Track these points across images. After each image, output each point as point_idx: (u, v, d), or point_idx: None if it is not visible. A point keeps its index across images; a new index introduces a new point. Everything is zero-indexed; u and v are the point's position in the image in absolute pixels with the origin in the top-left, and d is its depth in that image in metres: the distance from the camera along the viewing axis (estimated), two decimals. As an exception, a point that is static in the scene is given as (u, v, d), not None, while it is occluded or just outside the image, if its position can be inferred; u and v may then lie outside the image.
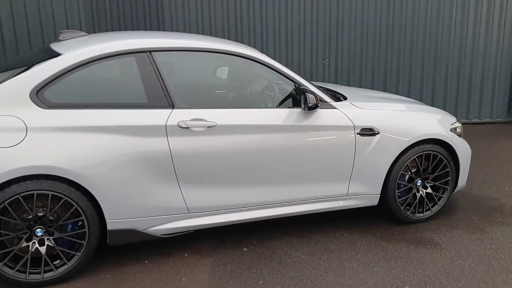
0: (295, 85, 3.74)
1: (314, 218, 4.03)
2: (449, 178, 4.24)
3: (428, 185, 4.22)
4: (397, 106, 4.23)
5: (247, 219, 3.65)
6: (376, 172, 3.96)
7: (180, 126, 3.31)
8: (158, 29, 7.17)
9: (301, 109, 3.65)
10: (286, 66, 7.62)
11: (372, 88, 7.41)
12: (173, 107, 3.36)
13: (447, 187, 4.26)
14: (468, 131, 4.67)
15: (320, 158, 3.76)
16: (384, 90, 7.42)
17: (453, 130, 4.28)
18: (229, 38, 7.14)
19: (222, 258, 3.57)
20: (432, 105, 7.37)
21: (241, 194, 3.57)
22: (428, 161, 4.17)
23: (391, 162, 3.97)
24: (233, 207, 3.57)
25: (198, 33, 7.16)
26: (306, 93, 3.58)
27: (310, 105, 3.57)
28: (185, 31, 7.16)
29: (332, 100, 3.87)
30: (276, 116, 3.64)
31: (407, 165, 4.06)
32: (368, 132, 3.86)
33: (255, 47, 7.12)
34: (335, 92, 4.38)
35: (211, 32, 7.17)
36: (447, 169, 4.22)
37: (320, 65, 7.39)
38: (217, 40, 4.08)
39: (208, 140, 3.39)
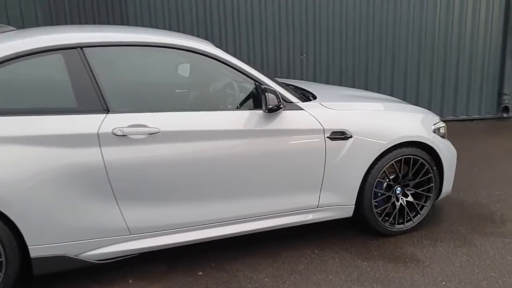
0: (255, 84, 3.27)
1: (281, 234, 3.56)
2: (432, 184, 3.80)
3: (408, 192, 3.77)
4: (373, 106, 3.76)
5: (201, 239, 3.18)
6: (349, 180, 3.50)
7: (115, 134, 2.83)
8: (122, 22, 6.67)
9: (262, 111, 3.18)
10: (261, 62, 7.33)
11: (353, 85, 6.96)
12: (107, 111, 2.87)
13: (430, 194, 3.81)
14: (455, 128, 4.22)
15: (286, 167, 3.30)
16: (366, 87, 6.97)
17: (436, 131, 3.84)
18: (198, 33, 6.65)
19: (172, 285, 3.10)
20: (417, 101, 6.95)
21: (192, 210, 3.10)
22: (408, 166, 3.72)
23: (366, 169, 3.52)
24: (183, 226, 3.10)
25: (165, 29, 6.66)
26: (266, 93, 3.11)
27: (270, 106, 3.10)
28: (151, 27, 6.66)
29: (299, 100, 3.40)
30: (233, 120, 3.17)
31: (384, 171, 3.61)
32: (340, 135, 3.40)
33: (226, 42, 6.66)
34: (304, 91, 3.92)
35: (179, 27, 6.68)
36: (430, 175, 3.77)
37: (298, 60, 6.93)
38: (165, 33, 3.59)
39: (149, 150, 2.91)
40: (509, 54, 7.09)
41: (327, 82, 6.95)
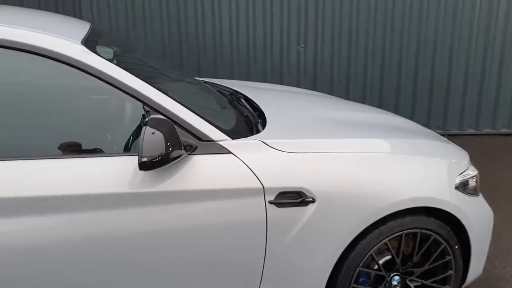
0: (143, 107, 1.90)
1: None
2: (451, 272, 2.36)
3: (412, 285, 2.35)
4: (358, 144, 2.29)
5: None
6: (310, 270, 2.11)
7: None
8: (75, 15, 5.33)
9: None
10: (247, 52, 5.79)
11: (364, 85, 5.44)
12: None
13: (446, 287, 2.39)
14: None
15: (195, 253, 1.94)
16: (381, 88, 5.46)
17: (462, 185, 2.38)
18: (168, 10, 5.25)
19: None
20: (413, 111, 5.41)
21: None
22: (412, 243, 2.30)
23: (340, 252, 2.12)
24: None
25: (129, 17, 5.29)
26: (147, 127, 1.74)
27: (145, 157, 1.71)
28: (110, 17, 5.31)
29: (226, 136, 2.00)
30: (98, 173, 1.81)
31: (371, 255, 2.20)
32: (293, 199, 2.00)
33: (202, 27, 5.24)
34: (254, 112, 2.51)
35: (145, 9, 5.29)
36: (448, 258, 2.34)
37: (294, 51, 5.45)
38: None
39: None
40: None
41: (331, 80, 5.47)
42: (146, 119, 1.78)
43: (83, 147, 1.89)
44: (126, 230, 1.84)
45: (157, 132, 1.75)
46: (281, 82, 5.34)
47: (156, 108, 1.89)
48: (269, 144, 2.04)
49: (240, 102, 2.70)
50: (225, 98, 2.69)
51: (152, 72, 2.42)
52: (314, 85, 5.43)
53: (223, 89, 2.95)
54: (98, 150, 1.90)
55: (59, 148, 1.87)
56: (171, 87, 2.31)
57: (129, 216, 1.83)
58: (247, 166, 1.96)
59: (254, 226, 1.97)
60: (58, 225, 1.77)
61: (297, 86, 5.11)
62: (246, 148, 2.00)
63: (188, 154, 1.89)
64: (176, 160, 1.80)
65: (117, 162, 1.85)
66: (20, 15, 2.19)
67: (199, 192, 1.89)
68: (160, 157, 1.73)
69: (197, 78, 3.16)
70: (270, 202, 1.97)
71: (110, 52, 2.20)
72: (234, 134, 2.05)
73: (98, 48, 2.04)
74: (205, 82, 3.05)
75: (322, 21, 5.33)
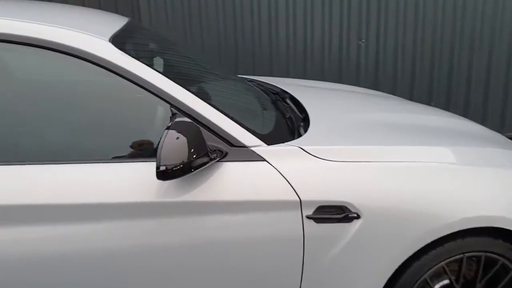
0: (170, 108, 1.74)
1: None
2: (523, 303, 2.04)
3: (474, 315, 2.05)
4: (415, 152, 2.01)
5: None
6: (353, 293, 1.87)
7: None
8: (133, 15, 5.32)
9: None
10: (304, 47, 5.52)
11: (430, 86, 5.03)
12: None
13: (517, 320, 2.06)
14: None
15: (220, 270, 1.77)
16: (449, 90, 5.03)
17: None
18: (227, 12, 5.11)
19: None
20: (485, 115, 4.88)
21: None
22: (476, 267, 2.00)
23: (387, 276, 1.87)
24: None
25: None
26: (170, 129, 1.59)
27: (163, 167, 1.54)
28: (167, 15, 5.25)
29: (260, 142, 1.80)
30: (121, 181, 1.68)
31: (426, 280, 1.92)
32: (334, 214, 1.77)
33: (258, 23, 5.04)
34: (299, 113, 2.29)
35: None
36: (520, 286, 2.02)
37: (354, 46, 5.14)
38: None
39: None
40: None
41: (394, 78, 5.10)
42: (170, 123, 1.62)
43: (107, 153, 1.75)
44: (148, 241, 1.69)
45: (181, 137, 1.59)
46: (339, 80, 5.06)
47: (183, 109, 1.73)
48: (308, 151, 1.82)
49: (285, 103, 2.49)
50: (268, 98, 2.49)
51: (188, 70, 2.28)
52: (375, 84, 5.08)
53: (269, 88, 2.75)
54: (121, 155, 1.76)
55: (82, 153, 1.75)
56: (206, 87, 2.15)
57: (150, 227, 1.68)
58: (283, 176, 1.75)
59: (289, 243, 1.76)
60: (77, 235, 1.65)
61: (356, 85, 4.80)
62: (282, 155, 1.79)
63: (217, 161, 1.72)
64: (200, 169, 1.63)
65: (143, 169, 1.70)
66: (57, 11, 2.10)
67: (227, 203, 1.71)
68: (181, 165, 1.56)
69: (243, 77, 2.99)
70: (308, 217, 1.76)
71: (143, 49, 2.07)
72: (270, 139, 1.85)
73: (129, 45, 1.91)
74: (250, 81, 2.87)
75: (385, 12, 4.98)
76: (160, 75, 1.75)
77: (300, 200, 1.74)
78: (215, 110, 1.78)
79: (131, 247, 1.67)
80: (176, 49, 2.53)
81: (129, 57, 1.76)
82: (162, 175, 1.54)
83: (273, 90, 2.71)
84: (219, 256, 1.73)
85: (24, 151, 1.72)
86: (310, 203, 1.75)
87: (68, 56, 1.72)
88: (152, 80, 1.73)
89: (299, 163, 1.79)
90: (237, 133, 1.77)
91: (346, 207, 1.77)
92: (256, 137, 1.80)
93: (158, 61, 2.05)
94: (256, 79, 2.97)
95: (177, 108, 1.73)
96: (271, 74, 4.90)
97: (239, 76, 2.86)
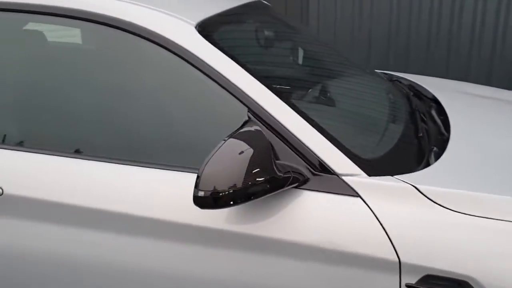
0: (247, 113, 1.37)
1: None
2: None
3: None
4: None
5: None
6: None
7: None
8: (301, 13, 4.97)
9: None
10: (469, 44, 4.36)
11: None
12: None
13: None
14: None
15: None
16: None
17: None
18: (401, 10, 4.43)
19: None
20: None
21: None
22: None
23: None
24: None
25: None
26: (228, 140, 1.23)
27: (201, 193, 1.17)
28: (336, 12, 4.77)
29: (358, 168, 1.32)
30: (177, 194, 1.38)
31: None
32: (449, 290, 1.22)
33: (417, 16, 4.30)
34: (440, 130, 1.71)
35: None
36: None
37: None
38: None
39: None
40: None
41: None
42: (233, 132, 1.26)
43: (168, 159, 1.46)
44: (192, 271, 1.37)
45: (245, 150, 1.21)
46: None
47: (260, 115, 1.35)
48: (425, 193, 1.28)
49: (428, 115, 1.91)
50: (407, 106, 1.93)
51: (297, 66, 1.86)
52: None
53: (417, 93, 2.18)
54: (180, 164, 1.45)
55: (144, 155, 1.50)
56: (313, 85, 1.71)
57: (199, 256, 1.36)
58: (379, 223, 1.26)
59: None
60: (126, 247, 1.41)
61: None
62: (385, 193, 1.29)
63: (294, 187, 1.30)
64: (258, 199, 1.24)
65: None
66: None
67: (297, 246, 1.29)
68: (227, 193, 1.18)
69: (388, 73, 2.45)
70: (409, 287, 1.24)
71: (241, 36, 1.73)
72: (376, 166, 1.35)
73: (221, 32, 1.59)
74: (396, 80, 2.32)
75: None
76: (238, 67, 1.39)
77: (400, 262, 1.23)
78: (300, 118, 1.35)
79: (177, 273, 1.37)
80: (302, 37, 2.13)
81: (208, 44, 1.43)
82: (200, 201, 1.19)
83: (424, 96, 2.13)
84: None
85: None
86: (414, 268, 1.22)
87: (141, 39, 1.46)
88: (228, 75, 1.38)
89: (407, 209, 1.26)
90: (325, 154, 1.32)
91: (468, 284, 1.20)
92: (355, 162, 1.33)
93: (259, 50, 1.69)
94: (406, 77, 2.40)
95: (254, 113, 1.36)
96: (425, 73, 4.14)
97: (382, 72, 2.32)
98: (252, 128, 1.29)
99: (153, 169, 1.40)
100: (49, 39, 1.75)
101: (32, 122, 1.57)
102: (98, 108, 1.53)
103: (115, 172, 1.42)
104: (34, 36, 1.71)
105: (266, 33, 1.93)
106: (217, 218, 1.32)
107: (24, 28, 1.65)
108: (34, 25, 1.65)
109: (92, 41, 1.62)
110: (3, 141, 1.55)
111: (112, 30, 1.48)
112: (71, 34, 1.73)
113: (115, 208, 1.39)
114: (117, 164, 1.43)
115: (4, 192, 1.45)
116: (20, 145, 1.53)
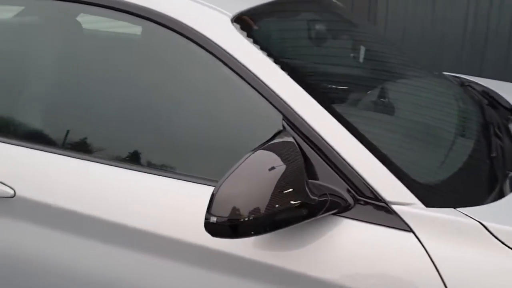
0: (282, 123, 1.17)
1: None
2: None
3: None
4: None
5: None
6: None
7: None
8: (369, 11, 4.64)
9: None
10: None
11: None
12: None
13: None
14: None
15: None
16: None
17: None
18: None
19: None
20: None
21: None
22: None
23: None
24: None
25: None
26: (252, 154, 1.03)
27: (213, 218, 0.97)
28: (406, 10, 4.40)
29: (413, 196, 1.07)
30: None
31: None
32: None
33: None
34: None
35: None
36: None
37: None
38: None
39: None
40: None
41: None
42: (263, 143, 1.06)
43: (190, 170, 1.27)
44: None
45: (276, 168, 1.02)
46: None
47: (297, 125, 1.14)
48: (495, 234, 1.02)
49: (506, 128, 1.61)
50: (477, 117, 1.64)
51: (348, 68, 1.62)
52: None
53: (492, 101, 1.87)
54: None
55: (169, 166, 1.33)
56: (364, 92, 1.47)
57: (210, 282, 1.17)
58: (435, 267, 1.01)
59: None
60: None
61: None
62: (444, 230, 1.04)
63: (334, 214, 1.09)
64: (287, 227, 1.03)
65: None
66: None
67: (327, 286, 1.07)
68: (247, 219, 0.98)
69: (458, 76, 2.15)
70: None
71: (289, 32, 1.52)
72: (437, 195, 1.11)
73: (265, 26, 1.39)
74: (467, 85, 2.02)
75: None
76: (274, 65, 1.19)
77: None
78: (346, 130, 1.13)
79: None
80: (359, 33, 1.89)
81: (243, 38, 1.24)
82: (213, 228, 0.99)
83: (497, 103, 1.83)
84: None
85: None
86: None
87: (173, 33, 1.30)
88: (256, 71, 1.18)
89: (471, 252, 1.01)
90: (374, 177, 1.09)
91: None
92: (409, 188, 1.09)
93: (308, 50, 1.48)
94: (480, 82, 2.09)
95: (290, 122, 1.15)
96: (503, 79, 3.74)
97: (452, 75, 2.03)
98: (286, 140, 1.09)
99: (170, 178, 1.23)
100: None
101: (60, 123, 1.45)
102: (124, 109, 1.38)
103: (140, 183, 1.26)
104: (71, 25, 1.59)
105: (318, 27, 1.71)
106: (235, 242, 1.13)
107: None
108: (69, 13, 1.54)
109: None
110: (29, 140, 1.42)
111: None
112: (105, 26, 1.61)
113: (130, 223, 1.23)
114: (138, 172, 1.27)
115: (16, 194, 1.33)
116: (43, 144, 1.40)
